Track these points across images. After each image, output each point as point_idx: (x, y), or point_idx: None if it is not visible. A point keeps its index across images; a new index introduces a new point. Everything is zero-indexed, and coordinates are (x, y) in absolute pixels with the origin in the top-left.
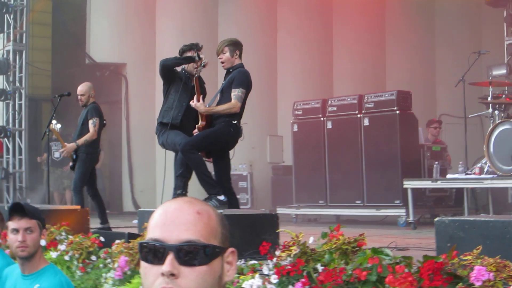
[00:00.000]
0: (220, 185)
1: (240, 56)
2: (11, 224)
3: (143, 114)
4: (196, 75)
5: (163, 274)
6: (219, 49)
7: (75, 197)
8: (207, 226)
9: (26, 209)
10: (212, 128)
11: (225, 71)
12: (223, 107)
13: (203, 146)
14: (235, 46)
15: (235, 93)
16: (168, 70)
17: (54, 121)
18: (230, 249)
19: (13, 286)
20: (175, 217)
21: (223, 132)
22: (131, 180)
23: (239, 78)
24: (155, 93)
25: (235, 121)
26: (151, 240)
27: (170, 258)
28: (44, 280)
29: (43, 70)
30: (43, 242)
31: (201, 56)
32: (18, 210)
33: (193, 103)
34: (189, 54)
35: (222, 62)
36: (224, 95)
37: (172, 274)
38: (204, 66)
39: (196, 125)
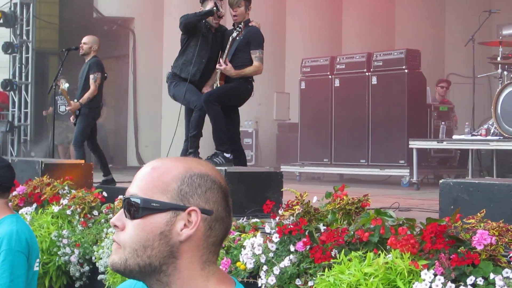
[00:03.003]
0: (229, 141)
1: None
2: None
3: (150, 68)
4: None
5: None
6: (235, 2)
7: (76, 151)
8: (155, 180)
9: None
10: (232, 84)
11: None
12: (250, 70)
13: (224, 99)
14: (249, 1)
15: (257, 54)
16: (189, 27)
17: (63, 80)
18: (190, 208)
19: None
20: (136, 174)
21: (243, 89)
22: (136, 134)
23: (256, 38)
24: (162, 48)
25: (251, 79)
26: None
27: (120, 211)
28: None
29: (51, 24)
30: None
31: (220, 8)
32: None
33: (222, 66)
34: (210, 3)
35: (235, 16)
36: (239, 54)
37: (116, 226)
38: (220, 17)
39: (214, 84)
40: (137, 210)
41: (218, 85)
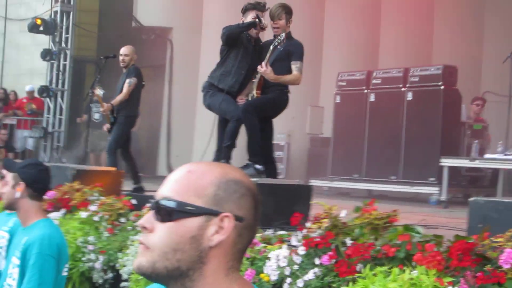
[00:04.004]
0: (262, 152)
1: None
2: None
3: (186, 79)
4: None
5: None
6: (277, 15)
7: (109, 158)
8: (191, 184)
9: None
10: (269, 95)
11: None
12: (289, 78)
13: (263, 111)
14: (290, 14)
15: (297, 65)
16: (232, 39)
17: (98, 87)
18: (224, 214)
19: (16, 239)
20: (169, 176)
21: (280, 101)
22: (168, 144)
23: (298, 51)
24: (199, 59)
25: (287, 90)
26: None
27: (150, 213)
28: (32, 233)
29: (90, 32)
30: (17, 194)
31: (262, 20)
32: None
33: (262, 69)
34: (251, 13)
35: (277, 28)
36: (277, 63)
37: (144, 228)
38: (263, 29)
39: (250, 94)
40: (171, 212)
41: (255, 95)
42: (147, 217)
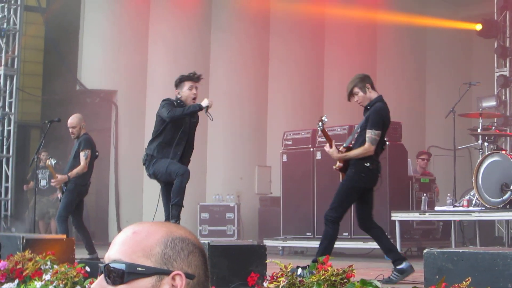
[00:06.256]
0: (363, 226)
1: (373, 88)
2: None
3: (132, 142)
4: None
5: None
6: (349, 94)
7: (60, 226)
8: (138, 244)
9: None
10: (342, 186)
11: None
12: (356, 152)
13: (344, 209)
14: (363, 81)
15: (369, 135)
16: (175, 122)
17: (50, 157)
18: (175, 272)
19: None
20: (115, 238)
21: (355, 183)
22: (117, 209)
23: (373, 118)
24: (145, 122)
25: (368, 164)
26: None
27: (100, 277)
28: None
29: (34, 96)
30: None
31: (203, 106)
32: None
33: (327, 148)
34: (186, 84)
35: (359, 102)
36: (362, 132)
37: None
38: (207, 110)
39: (334, 166)
40: (122, 275)
41: (337, 167)
42: (99, 281)
